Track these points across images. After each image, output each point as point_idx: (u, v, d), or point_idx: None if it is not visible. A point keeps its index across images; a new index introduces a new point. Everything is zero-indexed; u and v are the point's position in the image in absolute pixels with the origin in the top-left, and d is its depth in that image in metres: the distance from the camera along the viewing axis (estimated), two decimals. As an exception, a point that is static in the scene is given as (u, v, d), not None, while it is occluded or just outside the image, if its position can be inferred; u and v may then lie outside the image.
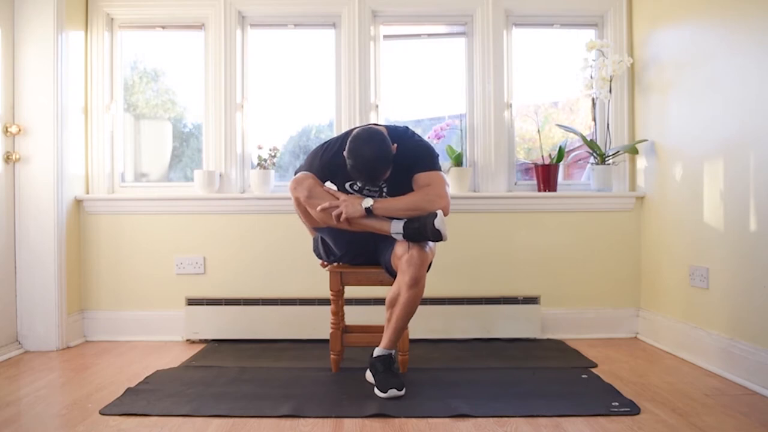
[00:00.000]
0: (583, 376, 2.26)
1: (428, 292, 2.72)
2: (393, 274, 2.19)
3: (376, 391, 2.06)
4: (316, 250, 2.44)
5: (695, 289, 2.49)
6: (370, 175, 2.08)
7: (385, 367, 2.11)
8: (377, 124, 2.35)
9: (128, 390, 2.10)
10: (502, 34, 3.05)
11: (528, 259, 2.95)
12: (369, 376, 2.18)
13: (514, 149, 3.12)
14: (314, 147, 2.37)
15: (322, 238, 2.35)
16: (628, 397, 2.00)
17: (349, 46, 3.04)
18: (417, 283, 2.06)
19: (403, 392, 2.02)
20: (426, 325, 2.70)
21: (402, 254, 2.08)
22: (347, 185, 2.27)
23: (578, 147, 3.31)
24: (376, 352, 2.16)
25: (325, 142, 2.32)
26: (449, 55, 3.19)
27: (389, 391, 2.01)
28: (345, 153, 2.11)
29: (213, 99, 3.04)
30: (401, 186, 2.20)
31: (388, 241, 2.18)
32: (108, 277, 2.97)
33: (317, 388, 2.13)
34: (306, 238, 2.85)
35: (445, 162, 3.01)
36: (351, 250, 2.32)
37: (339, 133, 2.52)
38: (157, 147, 3.29)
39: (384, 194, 2.27)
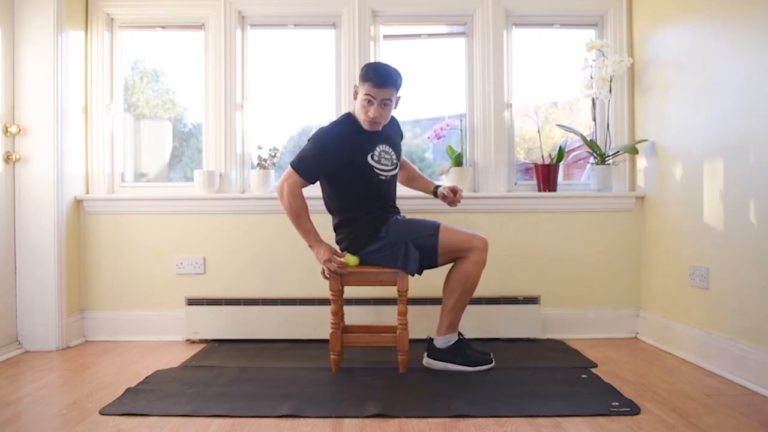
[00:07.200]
0: (583, 376, 2.26)
1: (428, 291, 2.74)
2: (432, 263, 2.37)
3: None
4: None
5: (695, 289, 2.49)
6: (383, 73, 2.25)
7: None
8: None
9: (128, 390, 2.10)
10: (502, 34, 3.06)
11: (528, 259, 2.96)
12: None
13: (514, 149, 3.12)
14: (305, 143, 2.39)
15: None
16: (628, 397, 2.00)
17: (349, 46, 3.04)
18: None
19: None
20: (426, 325, 2.71)
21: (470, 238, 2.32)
22: (369, 157, 2.34)
23: (578, 147, 3.31)
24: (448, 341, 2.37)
25: (320, 129, 2.39)
26: (449, 55, 3.19)
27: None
28: (361, 69, 2.32)
29: (213, 99, 3.04)
30: (398, 153, 2.49)
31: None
32: (108, 277, 2.97)
33: (317, 388, 2.13)
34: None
35: (445, 162, 3.02)
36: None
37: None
38: (157, 147, 3.29)
39: (395, 162, 2.44)
